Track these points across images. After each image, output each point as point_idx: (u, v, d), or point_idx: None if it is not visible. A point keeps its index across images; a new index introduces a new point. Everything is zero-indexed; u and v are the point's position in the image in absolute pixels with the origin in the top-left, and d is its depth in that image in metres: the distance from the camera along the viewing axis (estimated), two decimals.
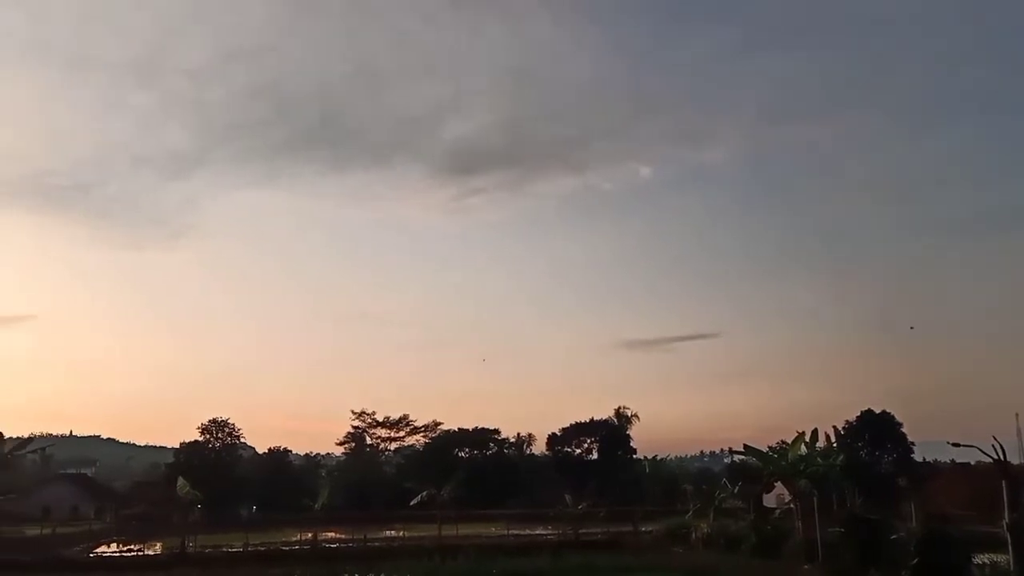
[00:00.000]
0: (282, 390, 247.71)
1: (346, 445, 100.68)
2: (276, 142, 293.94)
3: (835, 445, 41.57)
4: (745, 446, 38.19)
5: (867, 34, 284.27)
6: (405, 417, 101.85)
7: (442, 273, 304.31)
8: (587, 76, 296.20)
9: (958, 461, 73.11)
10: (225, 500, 71.78)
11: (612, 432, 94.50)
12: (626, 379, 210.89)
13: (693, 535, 39.87)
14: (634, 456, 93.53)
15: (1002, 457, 25.37)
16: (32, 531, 51.55)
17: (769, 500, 49.44)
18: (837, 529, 28.86)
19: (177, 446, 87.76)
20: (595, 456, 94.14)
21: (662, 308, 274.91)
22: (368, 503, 73.73)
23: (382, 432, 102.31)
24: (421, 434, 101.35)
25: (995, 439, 28.75)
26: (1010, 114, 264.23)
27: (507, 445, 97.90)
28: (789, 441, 36.71)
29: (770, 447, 38.30)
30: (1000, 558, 24.04)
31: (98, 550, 47.84)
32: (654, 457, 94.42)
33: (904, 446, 77.26)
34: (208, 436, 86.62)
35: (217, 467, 79.71)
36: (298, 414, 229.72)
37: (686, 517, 43.25)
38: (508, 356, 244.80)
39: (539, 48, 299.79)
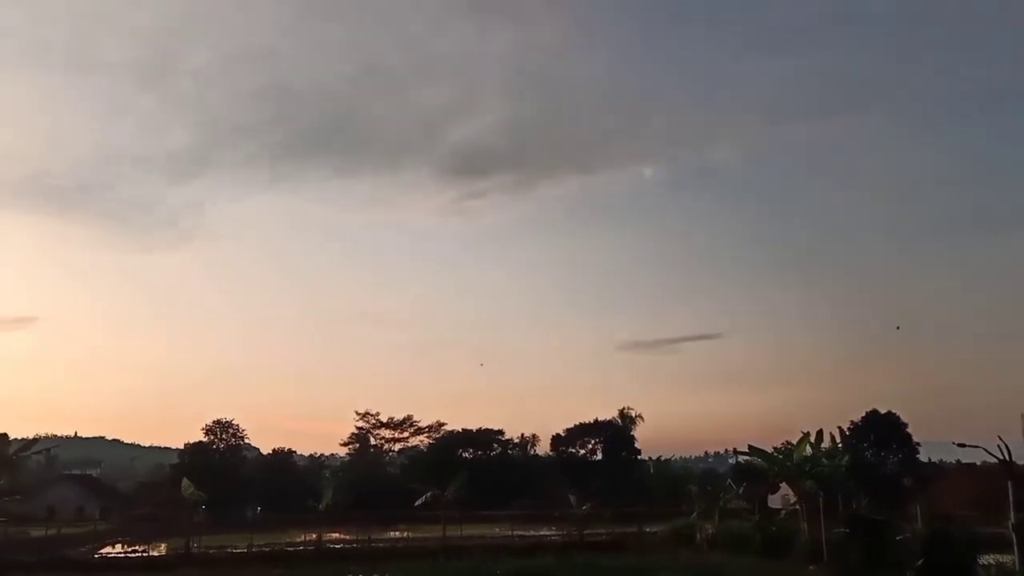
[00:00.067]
0: (286, 391, 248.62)
1: (350, 446, 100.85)
2: (281, 144, 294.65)
3: (840, 446, 41.42)
4: (750, 447, 38.08)
5: (869, 34, 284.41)
6: (409, 418, 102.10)
7: (446, 274, 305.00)
8: (592, 78, 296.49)
9: (963, 461, 72.89)
10: (229, 501, 71.90)
11: (616, 433, 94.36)
12: (630, 380, 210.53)
13: (698, 536, 39.84)
14: (638, 457, 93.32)
15: (1007, 457, 25.30)
16: (37, 532, 51.57)
17: (774, 501, 49.32)
18: (842, 530, 28.80)
19: (181, 447, 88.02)
20: (599, 457, 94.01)
21: (666, 308, 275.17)
22: (372, 504, 73.62)
23: (386, 433, 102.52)
24: (425, 435, 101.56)
25: (1000, 439, 28.66)
26: (1011, 114, 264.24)
27: (511, 446, 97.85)
28: (794, 442, 36.56)
29: (775, 448, 38.16)
30: (1006, 559, 23.95)
31: (103, 551, 47.95)
32: (658, 458, 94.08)
33: (909, 446, 77.00)
34: (212, 437, 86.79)
35: (221, 468, 79.78)
36: (302, 415, 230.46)
37: (691, 518, 43.20)
38: (512, 357, 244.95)
39: (544, 50, 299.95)
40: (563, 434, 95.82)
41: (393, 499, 71.84)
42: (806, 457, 34.49)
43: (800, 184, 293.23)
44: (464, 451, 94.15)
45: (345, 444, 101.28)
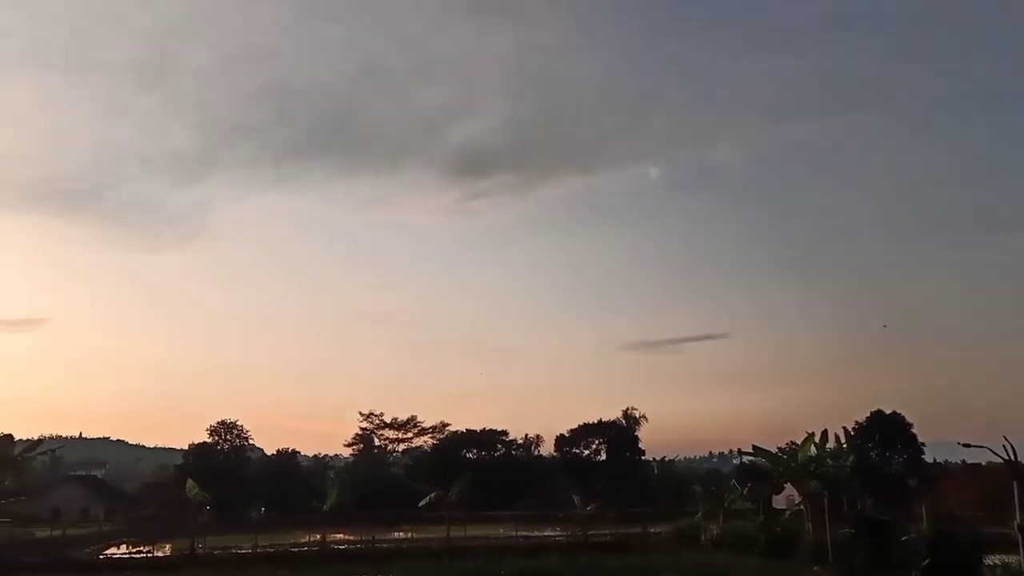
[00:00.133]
0: (290, 391, 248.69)
1: (354, 446, 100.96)
2: (282, 144, 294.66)
3: (845, 446, 41.44)
4: (754, 447, 38.07)
5: (869, 34, 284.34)
6: (413, 418, 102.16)
7: (448, 274, 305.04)
8: (592, 78, 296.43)
9: (969, 462, 72.73)
10: (234, 501, 71.96)
11: (620, 433, 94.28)
12: (634, 380, 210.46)
13: (703, 536, 39.78)
14: (642, 457, 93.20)
15: (1013, 457, 25.22)
16: (42, 533, 51.73)
17: (779, 501, 49.22)
18: (847, 530, 28.73)
19: (186, 448, 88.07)
20: (603, 457, 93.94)
21: (670, 309, 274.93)
22: (376, 504, 73.72)
23: (390, 433, 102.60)
24: (429, 435, 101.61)
25: (1006, 439, 28.59)
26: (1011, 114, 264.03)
27: (515, 446, 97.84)
28: (799, 442, 36.54)
29: (780, 448, 38.15)
30: (1011, 559, 23.89)
31: (108, 552, 48.07)
32: (663, 458, 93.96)
33: (914, 447, 76.83)
34: (217, 438, 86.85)
35: (226, 469, 79.83)
36: (306, 415, 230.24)
37: (695, 518, 43.13)
38: (515, 357, 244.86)
39: (544, 50, 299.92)
40: (567, 434, 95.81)
41: (397, 500, 71.87)
42: (811, 457, 34.46)
43: (800, 184, 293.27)
44: (468, 452, 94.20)
45: (349, 445, 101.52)
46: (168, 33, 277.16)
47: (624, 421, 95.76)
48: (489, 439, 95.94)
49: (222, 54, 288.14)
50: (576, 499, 49.73)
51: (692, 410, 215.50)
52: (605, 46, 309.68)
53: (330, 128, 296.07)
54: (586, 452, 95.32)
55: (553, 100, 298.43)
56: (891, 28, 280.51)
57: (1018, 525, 22.61)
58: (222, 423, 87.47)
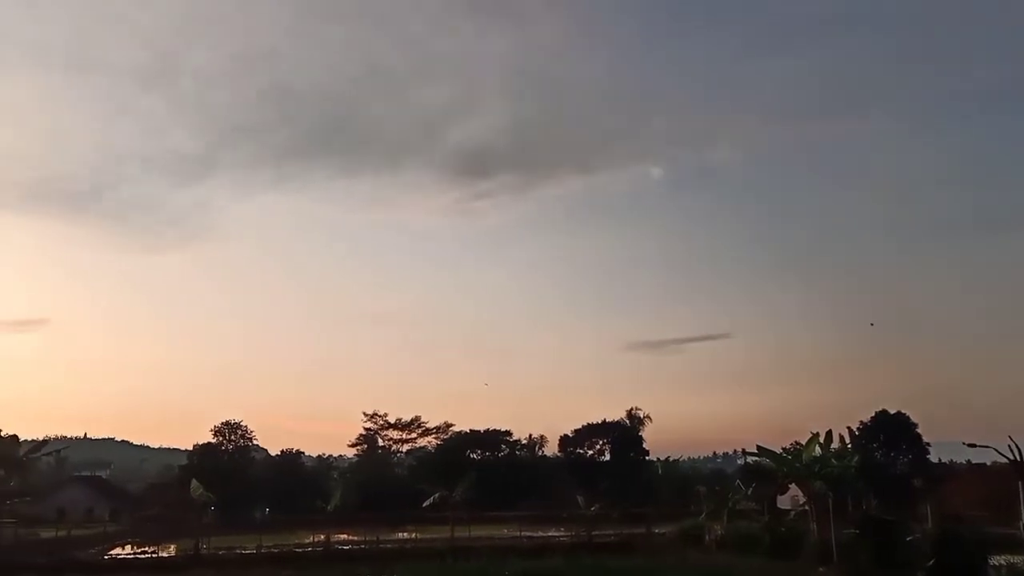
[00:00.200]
0: (294, 392, 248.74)
1: (358, 447, 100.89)
2: (284, 145, 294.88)
3: (850, 446, 41.30)
4: (759, 447, 37.98)
5: (869, 34, 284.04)
6: (417, 419, 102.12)
7: (451, 275, 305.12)
8: (595, 78, 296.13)
9: (974, 462, 72.61)
10: (238, 502, 72.06)
11: (624, 433, 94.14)
12: (638, 380, 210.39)
13: (707, 537, 39.72)
14: (647, 457, 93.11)
15: (1018, 458, 25.22)
16: (47, 533, 51.82)
17: (783, 501, 49.25)
18: (852, 530, 28.69)
19: (190, 448, 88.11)
20: (607, 457, 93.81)
21: (673, 309, 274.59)
22: (380, 505, 73.74)
23: (394, 434, 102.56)
24: (433, 436, 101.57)
25: (1011, 439, 28.58)
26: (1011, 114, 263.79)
27: (519, 446, 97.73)
28: (803, 442, 36.47)
29: (784, 448, 38.05)
30: (1017, 559, 23.84)
31: (113, 552, 48.14)
32: (667, 458, 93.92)
33: (919, 447, 76.62)
34: (221, 438, 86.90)
35: (230, 469, 79.86)
36: (310, 416, 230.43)
37: (700, 519, 43.07)
38: (518, 357, 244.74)
39: (546, 50, 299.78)
40: (571, 435, 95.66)
41: (401, 500, 71.96)
42: (815, 458, 34.37)
43: (801, 184, 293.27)
44: (472, 452, 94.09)
45: (353, 445, 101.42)
46: (169, 34, 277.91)
47: (628, 421, 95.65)
48: (493, 439, 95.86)
49: (223, 55, 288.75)
50: (580, 499, 49.70)
51: (696, 410, 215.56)
52: (606, 46, 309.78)
53: (331, 128, 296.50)
54: (590, 452, 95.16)
55: (554, 100, 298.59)
56: (891, 28, 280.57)
57: (1023, 525, 22.58)
58: (226, 424, 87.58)
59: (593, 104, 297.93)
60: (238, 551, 40.52)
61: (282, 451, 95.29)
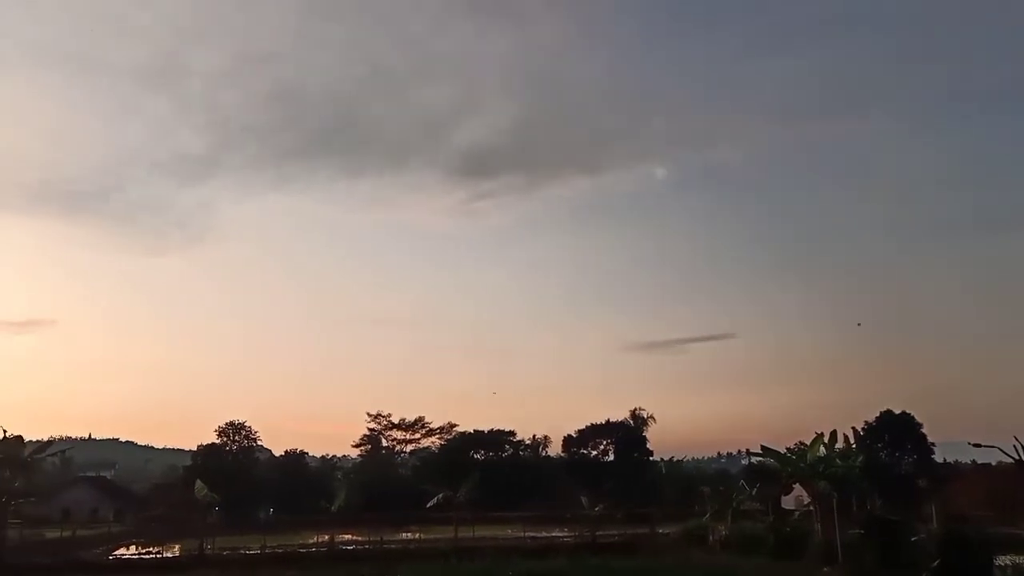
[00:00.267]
0: (298, 392, 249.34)
1: (362, 447, 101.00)
2: (290, 146, 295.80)
3: (854, 446, 41.15)
4: (763, 447, 37.88)
5: (870, 34, 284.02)
6: (420, 419, 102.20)
7: (454, 276, 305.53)
8: (599, 77, 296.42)
9: (979, 462, 72.46)
10: (242, 502, 72.17)
11: (628, 433, 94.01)
12: (642, 380, 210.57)
13: (711, 537, 39.66)
14: (650, 458, 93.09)
15: (1023, 458, 25.11)
16: (52, 534, 51.95)
17: (788, 502, 49.05)
18: (857, 531, 28.60)
19: (195, 449, 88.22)
20: (611, 458, 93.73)
21: (677, 309, 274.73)
22: (384, 505, 73.79)
23: (398, 434, 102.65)
24: (436, 436, 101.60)
25: (1016, 439, 28.49)
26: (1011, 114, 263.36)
27: (523, 447, 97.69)
28: (807, 442, 36.36)
29: (788, 448, 37.91)
30: (1022, 559, 23.76)
31: (117, 552, 48.25)
32: (671, 459, 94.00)
33: (924, 447, 76.41)
34: (225, 439, 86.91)
35: (234, 469, 79.93)
36: (314, 416, 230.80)
37: (704, 519, 43.01)
38: (522, 358, 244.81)
39: (549, 50, 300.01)
40: (575, 435, 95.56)
41: (405, 500, 71.96)
42: (820, 458, 34.28)
43: (805, 184, 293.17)
44: (476, 452, 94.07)
45: (357, 445, 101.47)
46: (173, 35, 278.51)
47: (632, 421, 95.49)
48: (497, 440, 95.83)
49: (227, 56, 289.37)
50: (584, 500, 49.62)
51: (700, 410, 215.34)
52: (608, 46, 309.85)
53: (333, 129, 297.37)
54: (594, 453, 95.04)
55: (556, 100, 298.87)
56: (891, 28, 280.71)
57: None
58: (230, 424, 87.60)
59: (595, 104, 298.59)
60: (242, 551, 40.56)
61: (286, 451, 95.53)
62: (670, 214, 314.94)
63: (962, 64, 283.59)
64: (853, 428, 66.26)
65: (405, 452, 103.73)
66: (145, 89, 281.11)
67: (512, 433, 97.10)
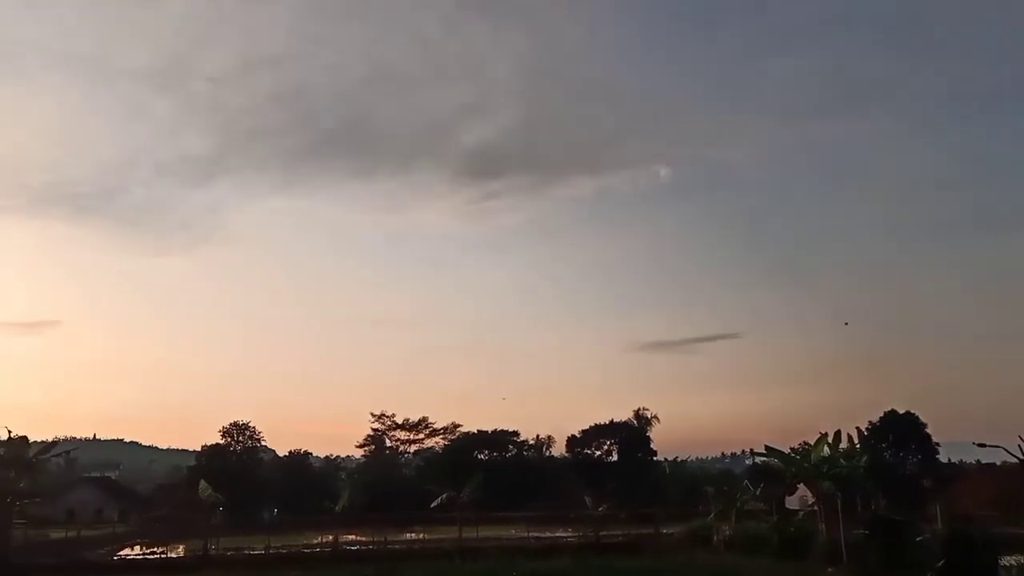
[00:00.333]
0: (302, 393, 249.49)
1: (366, 447, 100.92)
2: (297, 148, 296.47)
3: (858, 446, 41.13)
4: (767, 447, 37.88)
5: (871, 35, 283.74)
6: (424, 419, 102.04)
7: (461, 276, 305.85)
8: (606, 78, 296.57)
9: (984, 462, 72.28)
10: (246, 503, 72.15)
11: (632, 434, 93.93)
12: (646, 380, 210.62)
13: (715, 537, 39.63)
14: (654, 458, 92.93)
15: None
16: (57, 534, 52.06)
17: (792, 502, 49.06)
18: (861, 531, 28.59)
19: (199, 449, 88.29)
20: (615, 458, 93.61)
21: (683, 309, 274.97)
22: (388, 505, 73.73)
23: (401, 434, 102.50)
24: (440, 436, 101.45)
25: (1021, 439, 28.42)
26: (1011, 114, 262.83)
27: (526, 447, 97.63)
28: (812, 442, 36.33)
29: (792, 448, 37.91)
30: None
31: (122, 553, 48.32)
32: (675, 459, 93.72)
33: (929, 447, 76.23)
34: (229, 439, 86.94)
35: (238, 470, 79.98)
36: (318, 417, 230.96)
37: (708, 519, 42.98)
38: (526, 357, 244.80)
39: (558, 51, 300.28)
40: (578, 435, 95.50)
41: (409, 501, 71.91)
42: (824, 458, 34.25)
43: (820, 183, 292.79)
44: (479, 452, 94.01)
45: (361, 446, 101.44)
46: (180, 37, 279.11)
47: (636, 421, 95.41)
48: (500, 440, 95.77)
49: (234, 58, 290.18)
50: (588, 500, 49.62)
51: (704, 410, 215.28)
52: (611, 48, 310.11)
53: (340, 130, 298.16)
54: (598, 453, 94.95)
55: (562, 101, 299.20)
56: (891, 28, 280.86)
57: None
58: (234, 424, 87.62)
59: (599, 105, 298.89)
60: (246, 552, 40.61)
61: (290, 452, 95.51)
62: (675, 214, 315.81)
63: (962, 64, 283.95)
64: (857, 428, 66.14)
65: (409, 452, 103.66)
66: (150, 91, 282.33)
67: (516, 433, 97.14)
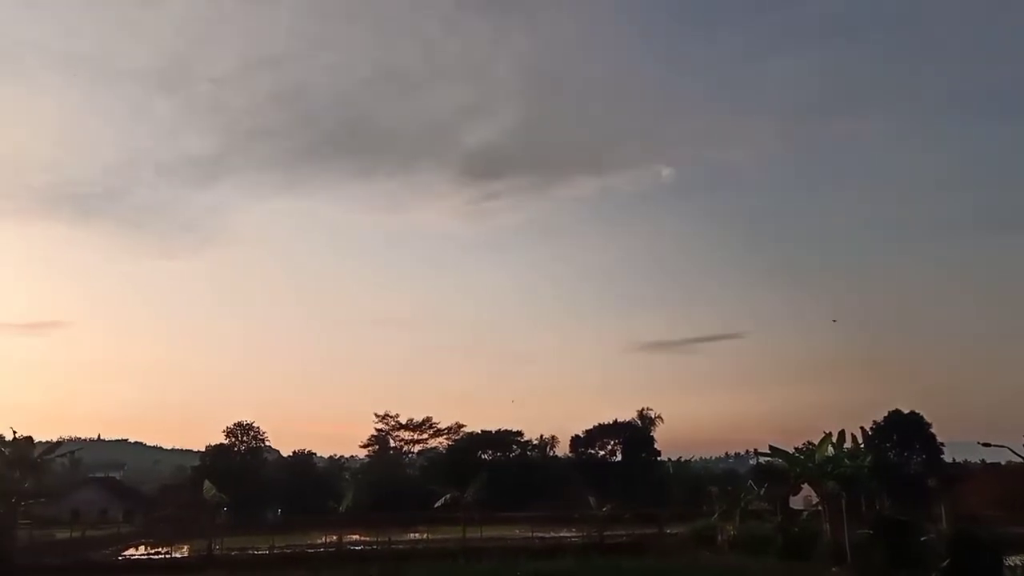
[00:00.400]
0: (306, 393, 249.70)
1: (370, 448, 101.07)
2: (298, 148, 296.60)
3: (863, 446, 41.00)
4: (771, 447, 37.78)
5: (872, 36, 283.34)
6: (428, 419, 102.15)
7: (463, 277, 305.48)
8: (608, 78, 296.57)
9: (988, 461, 72.12)
10: (251, 503, 72.30)
11: (636, 434, 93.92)
12: (650, 380, 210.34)
13: (719, 537, 39.58)
14: (658, 458, 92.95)
15: None
16: (62, 534, 52.17)
17: (796, 502, 48.91)
18: (866, 531, 28.53)
19: (203, 449, 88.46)
20: (619, 458, 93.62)
21: (684, 309, 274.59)
22: (392, 505, 73.82)
23: (405, 434, 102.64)
24: (444, 436, 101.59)
25: None
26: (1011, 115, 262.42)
27: (530, 447, 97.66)
28: (816, 442, 36.26)
29: (796, 448, 37.82)
30: None
31: (127, 553, 48.39)
32: (678, 459, 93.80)
33: (933, 446, 76.13)
34: (233, 439, 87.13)
35: (243, 470, 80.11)
36: (322, 417, 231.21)
37: (712, 519, 42.91)
38: (529, 358, 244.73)
39: (558, 51, 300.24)
40: (582, 435, 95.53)
41: (413, 501, 71.98)
42: (828, 457, 34.15)
43: (824, 183, 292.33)
44: (483, 452, 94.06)
45: (365, 446, 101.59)
46: (183, 38, 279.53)
47: (639, 421, 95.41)
48: (504, 440, 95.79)
49: (236, 58, 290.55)
50: (592, 500, 49.54)
51: (708, 410, 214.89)
52: (612, 47, 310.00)
53: (342, 131, 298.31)
54: (601, 453, 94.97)
55: (563, 101, 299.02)
56: (891, 28, 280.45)
57: None
58: (238, 425, 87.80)
59: (601, 105, 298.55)
60: (251, 552, 40.64)
61: (294, 452, 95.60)
62: (679, 214, 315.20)
63: (962, 65, 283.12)
64: (861, 428, 65.87)
65: (413, 452, 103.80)
66: (152, 91, 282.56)
67: (520, 433, 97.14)
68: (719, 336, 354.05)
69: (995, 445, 30.61)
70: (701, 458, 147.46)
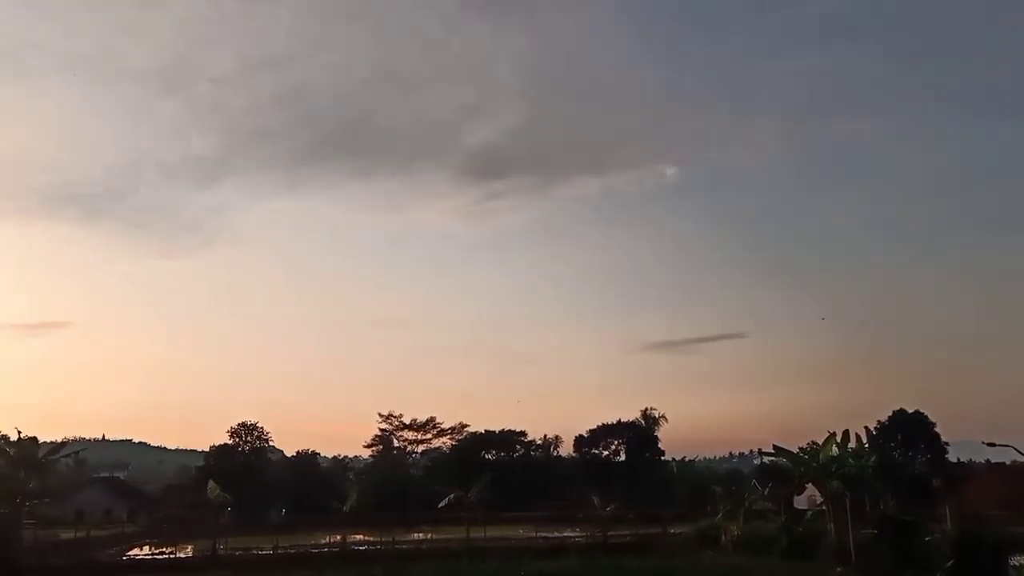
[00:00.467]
0: (310, 393, 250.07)
1: (373, 448, 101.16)
2: (300, 149, 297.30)
3: (867, 446, 40.89)
4: (775, 447, 37.69)
5: (872, 36, 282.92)
6: (432, 419, 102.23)
7: (465, 277, 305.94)
8: (609, 78, 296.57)
9: (993, 461, 71.96)
10: (255, 503, 72.41)
11: (639, 433, 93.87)
12: (653, 380, 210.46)
13: (723, 537, 39.50)
14: (662, 458, 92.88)
15: None
16: (66, 534, 52.20)
17: (800, 502, 48.80)
18: (870, 531, 28.45)
19: (207, 449, 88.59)
20: (623, 458, 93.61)
21: (686, 309, 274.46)
22: (396, 505, 73.87)
23: (409, 434, 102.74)
24: (448, 436, 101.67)
25: None
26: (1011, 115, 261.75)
27: (534, 447, 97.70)
28: (820, 442, 36.18)
29: (800, 448, 37.73)
30: None
31: (131, 553, 48.48)
32: (682, 458, 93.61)
33: (938, 446, 75.93)
34: (237, 440, 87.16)
35: (247, 470, 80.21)
36: (326, 417, 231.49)
37: (716, 519, 42.85)
38: (532, 358, 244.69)
39: (559, 51, 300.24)
40: (586, 435, 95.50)
41: (416, 501, 72.07)
42: (832, 457, 34.06)
43: (826, 183, 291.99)
44: (487, 452, 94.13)
45: (368, 446, 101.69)
46: (185, 39, 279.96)
47: (643, 421, 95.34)
48: (508, 440, 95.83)
49: (238, 59, 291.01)
50: (595, 500, 49.50)
51: (711, 410, 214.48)
52: (614, 48, 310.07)
53: (344, 131, 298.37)
54: (605, 453, 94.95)
55: (566, 101, 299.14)
56: (891, 28, 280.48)
57: None
58: (242, 425, 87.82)
59: (603, 105, 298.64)
60: (255, 552, 40.67)
61: (298, 452, 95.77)
62: (682, 214, 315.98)
63: (962, 64, 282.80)
64: (866, 427, 66.02)
65: (416, 452, 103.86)
66: (153, 92, 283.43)
67: (523, 433, 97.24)
68: (720, 336, 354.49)
69: (1000, 445, 30.56)
70: (705, 458, 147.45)
